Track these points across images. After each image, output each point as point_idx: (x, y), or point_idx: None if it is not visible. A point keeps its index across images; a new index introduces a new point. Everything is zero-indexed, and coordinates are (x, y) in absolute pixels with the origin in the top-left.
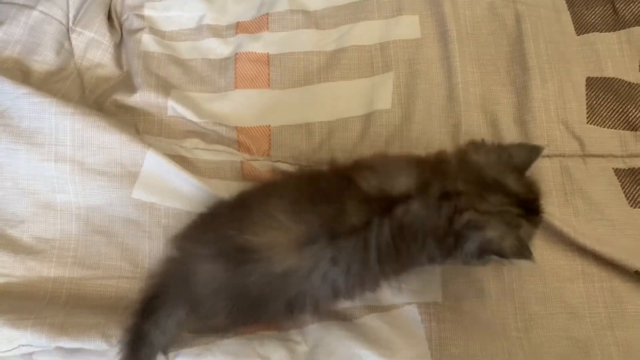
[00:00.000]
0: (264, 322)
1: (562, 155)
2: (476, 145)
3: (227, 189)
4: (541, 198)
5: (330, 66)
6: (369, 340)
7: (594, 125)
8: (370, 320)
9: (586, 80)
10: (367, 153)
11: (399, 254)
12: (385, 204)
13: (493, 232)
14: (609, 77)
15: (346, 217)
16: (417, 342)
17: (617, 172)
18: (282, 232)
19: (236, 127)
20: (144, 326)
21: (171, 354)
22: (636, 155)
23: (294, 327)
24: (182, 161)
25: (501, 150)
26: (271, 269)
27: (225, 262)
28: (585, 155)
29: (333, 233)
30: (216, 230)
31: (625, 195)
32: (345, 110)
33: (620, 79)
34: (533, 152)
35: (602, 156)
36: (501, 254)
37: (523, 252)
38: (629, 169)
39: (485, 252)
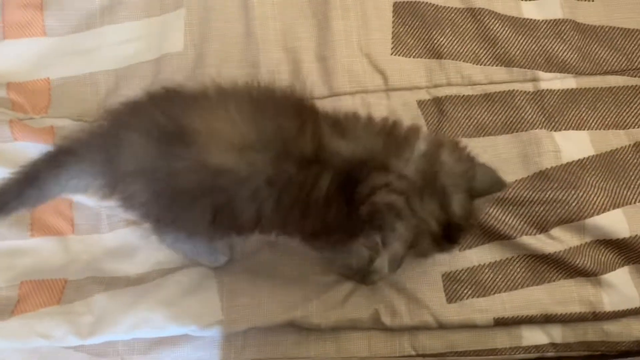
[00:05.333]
0: (183, 225)
1: (365, 92)
2: (454, 147)
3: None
4: (468, 232)
5: (114, 6)
6: (159, 302)
7: (399, 55)
8: (162, 282)
9: (393, 6)
10: None
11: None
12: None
13: (388, 233)
14: (415, 1)
15: (304, 142)
16: (208, 297)
17: (420, 103)
18: (229, 125)
19: (7, 84)
20: (43, 170)
21: None
22: (441, 85)
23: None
24: None
25: (471, 165)
26: (204, 158)
27: (157, 139)
28: (388, 90)
29: (284, 151)
30: (159, 106)
31: (428, 127)
32: (133, 55)
33: (426, 2)
34: (496, 185)
35: (406, 89)
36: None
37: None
38: (432, 98)
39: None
